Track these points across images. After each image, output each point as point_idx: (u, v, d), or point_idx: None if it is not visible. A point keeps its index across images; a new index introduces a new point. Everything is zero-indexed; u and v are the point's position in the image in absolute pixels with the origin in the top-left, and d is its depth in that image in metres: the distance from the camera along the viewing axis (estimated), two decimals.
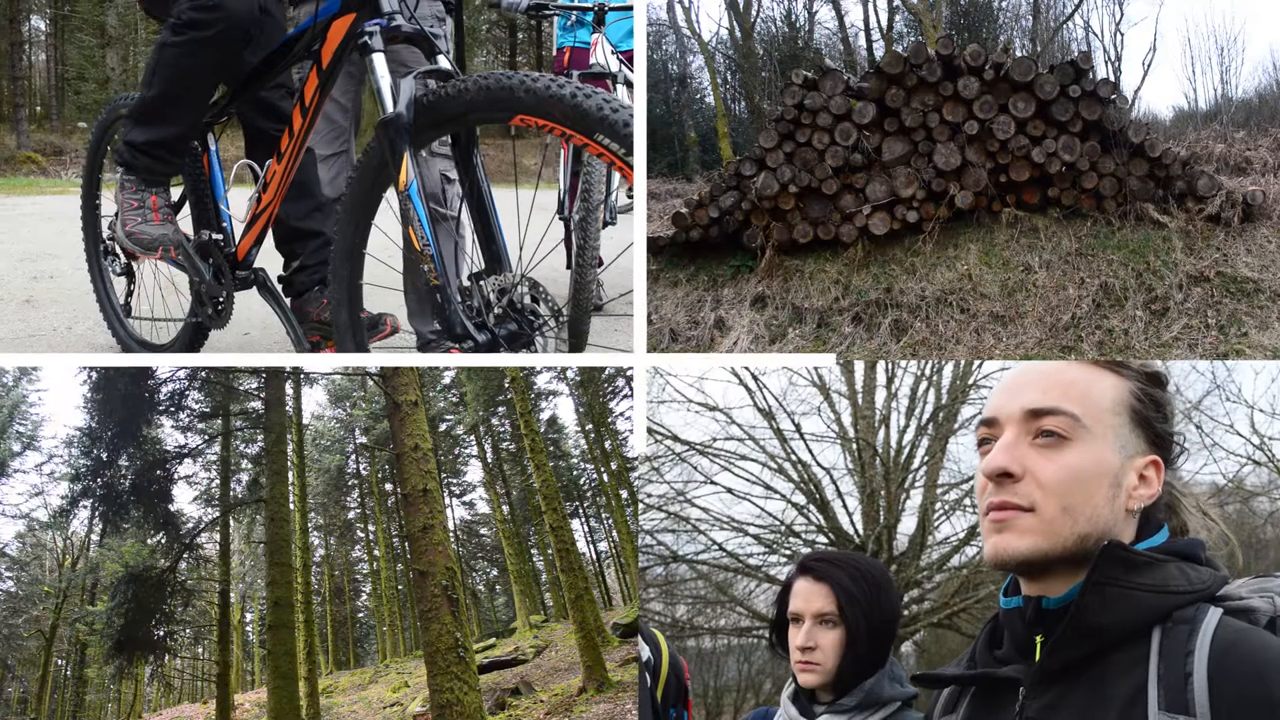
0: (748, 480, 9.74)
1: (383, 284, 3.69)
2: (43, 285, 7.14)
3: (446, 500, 23.39)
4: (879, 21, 20.38)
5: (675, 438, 9.73)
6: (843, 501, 9.58)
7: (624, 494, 17.85)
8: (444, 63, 3.08)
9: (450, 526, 23.06)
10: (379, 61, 3.10)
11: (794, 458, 9.55)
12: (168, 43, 3.56)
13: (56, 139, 26.00)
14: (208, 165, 3.98)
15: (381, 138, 2.97)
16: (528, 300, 2.95)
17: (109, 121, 4.59)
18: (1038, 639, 1.32)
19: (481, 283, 2.96)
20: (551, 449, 20.12)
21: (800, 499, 9.62)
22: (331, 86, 3.44)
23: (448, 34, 4.68)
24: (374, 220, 3.29)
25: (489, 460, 21.64)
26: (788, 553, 9.65)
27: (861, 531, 9.33)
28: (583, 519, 23.65)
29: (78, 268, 5.13)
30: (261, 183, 3.74)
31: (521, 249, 3.08)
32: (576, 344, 5.06)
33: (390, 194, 3.09)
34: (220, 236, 3.95)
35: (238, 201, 3.97)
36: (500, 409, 19.82)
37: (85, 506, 13.19)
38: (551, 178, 7.07)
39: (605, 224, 6.16)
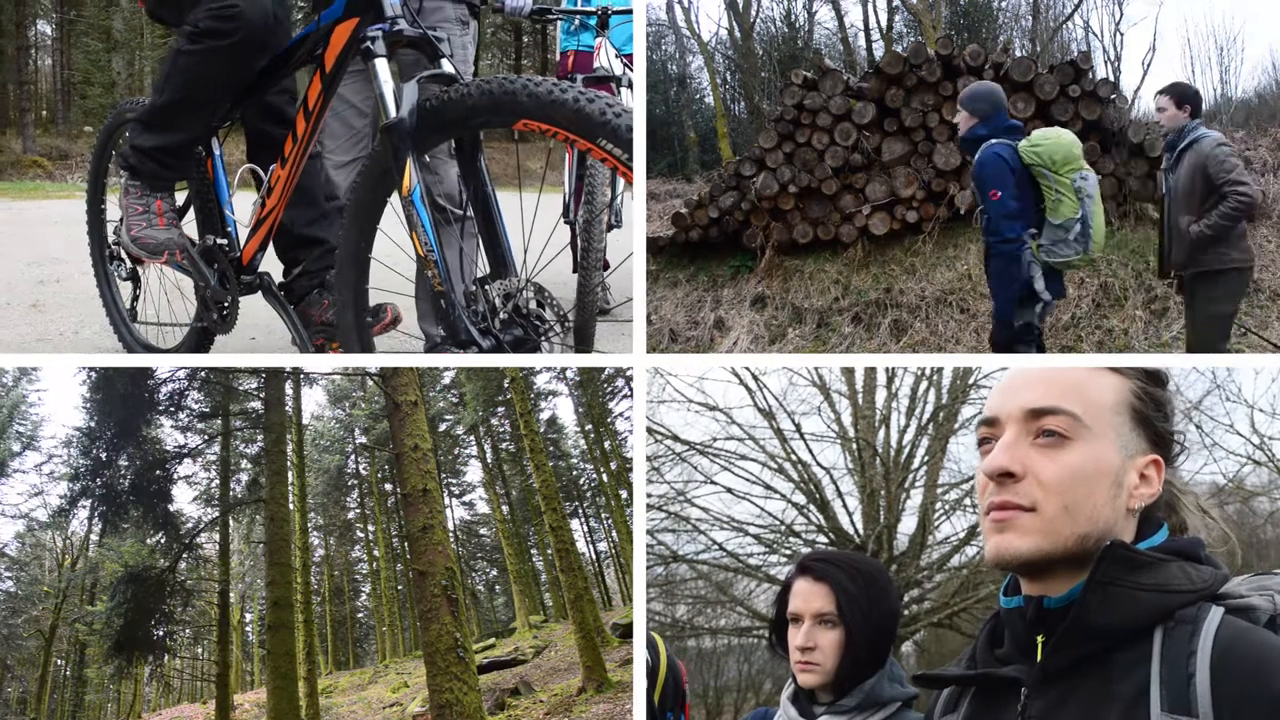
0: (748, 480, 9.78)
1: (389, 289, 3.68)
2: (49, 290, 7.14)
3: (446, 500, 23.40)
4: (879, 21, 20.45)
5: (675, 437, 9.76)
6: (843, 501, 9.62)
7: (624, 494, 17.86)
8: (447, 67, 3.06)
9: (450, 527, 23.06)
10: (381, 66, 3.08)
11: (794, 457, 9.56)
12: (183, 50, 3.54)
13: (62, 143, 26.09)
14: (212, 170, 3.96)
15: (384, 143, 2.96)
16: (533, 305, 2.91)
17: (114, 126, 4.57)
18: (1039, 639, 1.31)
19: (487, 287, 2.94)
20: (551, 449, 20.09)
21: (800, 499, 9.65)
22: (334, 91, 3.43)
23: (474, 36, 4.67)
24: (378, 224, 3.27)
25: (489, 460, 21.61)
26: (788, 552, 9.67)
27: (861, 531, 9.34)
28: (582, 519, 23.65)
29: (84, 272, 5.12)
30: (266, 187, 3.73)
31: (526, 253, 3.06)
32: (583, 348, 5.05)
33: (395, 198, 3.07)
34: (225, 241, 3.93)
35: (242, 206, 3.96)
36: (500, 409, 19.77)
37: (85, 506, 13.13)
38: (556, 181, 7.05)
39: (610, 227, 6.14)
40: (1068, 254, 4.52)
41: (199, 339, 4.37)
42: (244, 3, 3.45)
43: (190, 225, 4.04)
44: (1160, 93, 5.33)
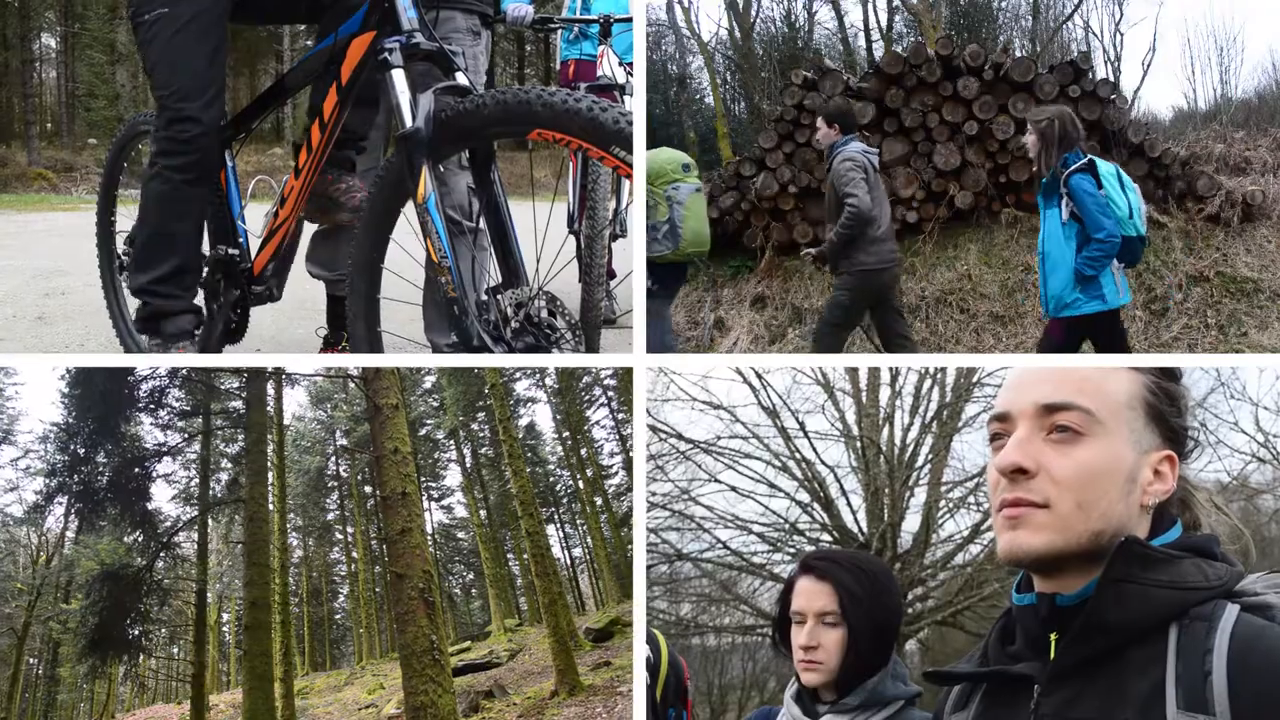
0: (752, 478, 9.73)
1: (397, 298, 3.65)
2: (54, 302, 7.13)
3: (425, 504, 23.30)
4: (879, 22, 20.47)
5: (679, 436, 9.73)
6: (847, 499, 9.58)
7: (598, 501, 17.99)
8: (461, 79, 3.09)
9: (428, 530, 22.95)
10: (398, 77, 3.09)
11: (798, 456, 9.52)
12: (151, 178, 3.62)
13: (67, 156, 26.14)
14: (225, 182, 3.94)
15: (400, 152, 2.98)
16: (545, 314, 2.94)
17: (128, 138, 4.58)
18: (1052, 636, 1.31)
19: (499, 296, 2.97)
20: (529, 455, 20.09)
21: (804, 497, 9.61)
22: (350, 104, 3.44)
23: (486, 46, 4.62)
24: (391, 234, 3.29)
25: (468, 465, 21.71)
26: (792, 551, 9.66)
27: (865, 529, 9.31)
28: (558, 524, 23.68)
29: (89, 284, 5.14)
30: (279, 198, 3.74)
31: (539, 262, 3.08)
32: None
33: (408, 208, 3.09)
34: (236, 252, 3.93)
35: (254, 218, 3.96)
36: (480, 414, 19.88)
37: (61, 503, 13.03)
38: (560, 190, 7.06)
39: (616, 236, 6.18)
40: (660, 250, 5.38)
41: (207, 349, 4.33)
42: (201, 114, 3.52)
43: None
44: (816, 113, 6.09)
